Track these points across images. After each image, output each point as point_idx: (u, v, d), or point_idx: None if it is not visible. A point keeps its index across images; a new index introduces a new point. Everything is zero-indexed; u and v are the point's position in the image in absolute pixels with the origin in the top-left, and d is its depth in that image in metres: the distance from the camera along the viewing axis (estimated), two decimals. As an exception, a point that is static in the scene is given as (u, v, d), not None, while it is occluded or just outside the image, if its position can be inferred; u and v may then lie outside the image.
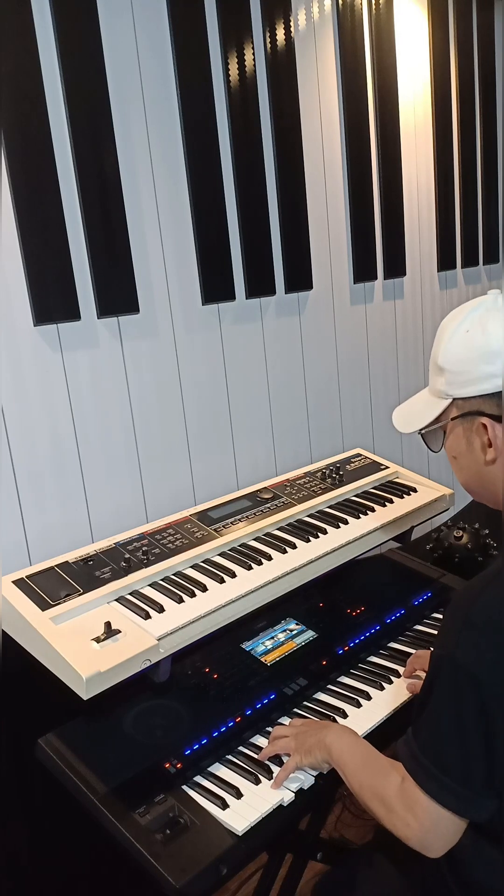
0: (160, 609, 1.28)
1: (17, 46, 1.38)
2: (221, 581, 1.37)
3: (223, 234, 1.79)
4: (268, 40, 1.83)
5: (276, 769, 1.19)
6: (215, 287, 1.80)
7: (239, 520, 1.59)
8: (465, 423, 1.05)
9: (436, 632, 1.54)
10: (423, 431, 1.14)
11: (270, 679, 1.39)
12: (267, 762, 1.20)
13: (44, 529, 1.54)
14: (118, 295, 1.60)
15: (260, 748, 1.24)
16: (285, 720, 1.32)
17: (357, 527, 1.59)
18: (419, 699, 1.03)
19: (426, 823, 0.97)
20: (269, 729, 1.30)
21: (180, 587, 1.35)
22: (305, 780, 1.16)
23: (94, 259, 1.55)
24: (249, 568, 1.41)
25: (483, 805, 0.95)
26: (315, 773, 1.18)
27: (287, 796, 1.14)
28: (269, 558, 1.45)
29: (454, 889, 1.07)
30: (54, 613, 1.24)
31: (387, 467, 1.90)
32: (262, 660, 1.44)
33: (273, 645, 1.48)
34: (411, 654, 1.48)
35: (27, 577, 1.35)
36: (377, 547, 1.65)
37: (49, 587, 1.32)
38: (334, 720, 1.30)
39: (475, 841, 1.01)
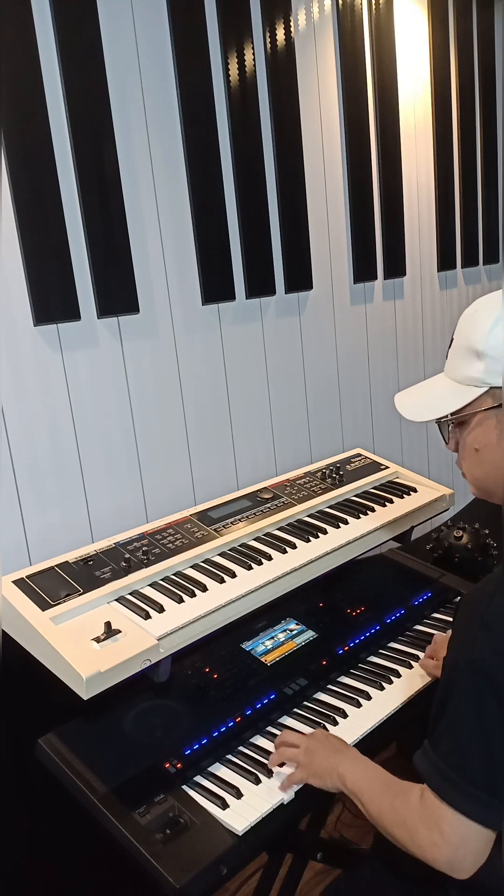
0: (160, 609, 1.28)
1: (17, 46, 1.38)
2: (221, 581, 1.37)
3: (223, 234, 1.79)
4: (268, 40, 1.83)
5: (276, 769, 1.19)
6: (215, 287, 1.80)
7: (239, 520, 1.59)
8: (501, 414, 1.01)
9: (436, 632, 1.55)
10: (444, 420, 1.08)
11: (270, 679, 1.39)
12: (266, 762, 1.20)
13: (44, 529, 1.54)
14: (118, 295, 1.60)
15: (260, 748, 1.24)
16: (286, 720, 1.32)
17: (357, 527, 1.59)
18: (435, 707, 0.99)
19: (454, 840, 0.92)
20: (270, 729, 1.30)
21: (180, 587, 1.35)
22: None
23: (94, 259, 1.55)
24: (249, 568, 1.41)
25: None
26: None
27: (287, 796, 1.14)
28: (269, 558, 1.45)
29: (454, 894, 1.06)
30: (54, 613, 1.24)
31: (387, 467, 1.90)
32: (262, 660, 1.44)
33: (273, 645, 1.48)
34: (412, 654, 1.48)
35: (27, 577, 1.35)
36: (377, 547, 1.65)
37: (49, 587, 1.32)
38: (334, 720, 1.30)
39: None
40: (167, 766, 1.17)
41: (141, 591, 1.35)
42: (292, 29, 1.88)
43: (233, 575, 1.39)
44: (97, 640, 1.18)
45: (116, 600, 1.32)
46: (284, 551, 1.48)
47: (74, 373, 1.57)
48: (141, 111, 1.62)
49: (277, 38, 1.85)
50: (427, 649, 1.44)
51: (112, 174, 1.56)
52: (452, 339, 1.10)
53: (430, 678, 1.39)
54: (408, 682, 1.40)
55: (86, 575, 1.36)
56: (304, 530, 1.57)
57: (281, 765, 1.19)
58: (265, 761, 1.21)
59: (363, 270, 2.23)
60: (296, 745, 1.18)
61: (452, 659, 0.97)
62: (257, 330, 1.94)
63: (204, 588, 1.35)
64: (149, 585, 1.37)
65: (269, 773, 1.18)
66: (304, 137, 1.97)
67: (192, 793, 1.14)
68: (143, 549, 1.45)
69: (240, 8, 1.75)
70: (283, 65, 1.88)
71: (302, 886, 1.56)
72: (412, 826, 0.97)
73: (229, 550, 1.49)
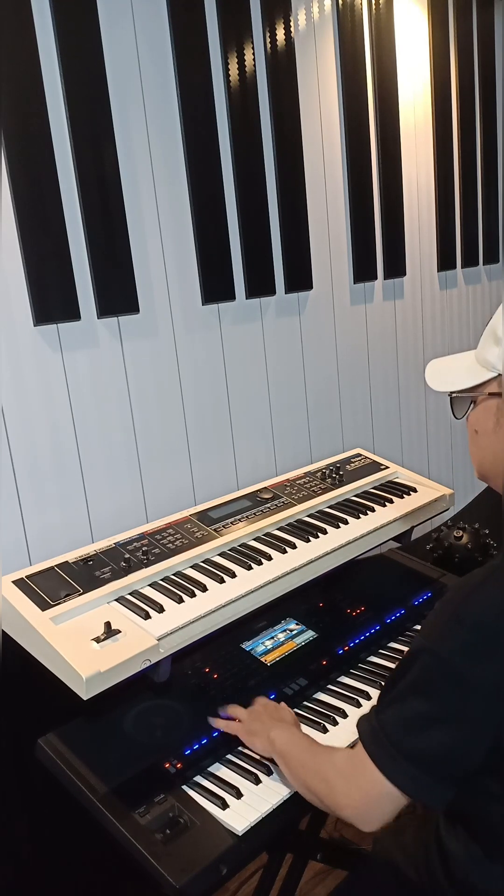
0: (160, 609, 1.28)
1: (17, 46, 1.38)
2: (221, 581, 1.37)
3: (223, 234, 1.79)
4: (268, 40, 1.83)
5: (276, 769, 1.19)
6: (215, 287, 1.80)
7: (239, 520, 1.59)
8: (502, 402, 1.02)
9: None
10: (454, 395, 1.10)
11: (270, 679, 1.39)
12: (267, 762, 1.20)
13: (44, 529, 1.54)
14: (118, 295, 1.60)
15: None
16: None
17: (357, 527, 1.59)
18: (389, 678, 1.02)
19: (370, 794, 0.97)
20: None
21: (180, 587, 1.35)
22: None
23: (94, 259, 1.55)
24: (249, 568, 1.41)
25: (438, 793, 0.95)
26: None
27: (286, 791, 1.14)
28: (269, 558, 1.45)
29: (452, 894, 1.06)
30: (54, 613, 1.24)
31: (387, 467, 1.90)
32: (262, 660, 1.44)
33: (273, 645, 1.48)
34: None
35: (27, 577, 1.35)
36: (377, 547, 1.65)
37: (49, 587, 1.32)
38: (334, 720, 1.30)
39: (466, 846, 1.01)
40: (167, 766, 1.17)
41: (141, 591, 1.35)
42: (292, 29, 1.88)
43: (233, 575, 1.39)
44: (97, 640, 1.18)
45: (116, 600, 1.32)
46: (284, 551, 1.48)
47: (74, 373, 1.57)
48: (141, 111, 1.62)
49: (277, 38, 1.85)
50: None
51: (112, 174, 1.56)
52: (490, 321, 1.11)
53: None
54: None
55: (86, 575, 1.36)
56: (304, 530, 1.57)
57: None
58: (265, 761, 1.21)
59: (363, 270, 2.23)
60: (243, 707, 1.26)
61: (419, 643, 0.98)
62: (257, 330, 1.94)
63: (204, 588, 1.35)
64: (149, 585, 1.37)
65: (270, 773, 1.18)
66: (304, 137, 1.97)
67: (192, 793, 1.14)
68: (143, 549, 1.45)
69: (240, 8, 1.75)
70: (283, 65, 1.88)
71: (302, 886, 1.56)
72: (331, 778, 1.03)
73: (229, 550, 1.49)
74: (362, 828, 1.00)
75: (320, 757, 1.08)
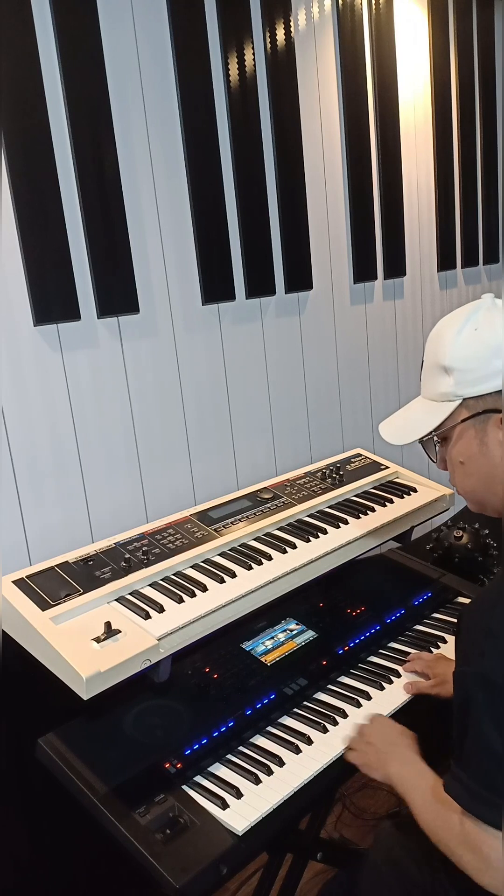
0: (160, 609, 1.28)
1: (17, 46, 1.38)
2: (221, 581, 1.37)
3: (223, 235, 1.79)
4: (268, 40, 1.83)
5: (276, 769, 1.19)
6: (215, 287, 1.80)
7: (239, 520, 1.59)
8: (478, 423, 1.03)
9: (437, 632, 1.55)
10: (426, 438, 1.10)
11: (270, 679, 1.39)
12: (267, 762, 1.20)
13: (44, 529, 1.54)
14: (118, 295, 1.60)
15: (260, 748, 1.24)
16: (286, 720, 1.32)
17: (357, 527, 1.59)
18: (456, 726, 0.97)
19: (495, 861, 0.91)
20: (270, 729, 1.30)
21: (180, 587, 1.35)
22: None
23: (94, 259, 1.55)
24: (249, 568, 1.41)
25: None
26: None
27: (286, 791, 1.14)
28: (269, 558, 1.45)
29: (454, 894, 1.06)
30: (54, 613, 1.24)
31: (387, 467, 1.90)
32: (262, 660, 1.44)
33: (273, 645, 1.48)
34: (411, 654, 1.48)
35: (27, 577, 1.35)
36: (377, 547, 1.65)
37: (49, 587, 1.32)
38: (334, 720, 1.30)
39: None
40: (167, 766, 1.17)
41: (141, 591, 1.35)
42: (292, 29, 1.88)
43: (233, 575, 1.39)
44: (97, 640, 1.18)
45: (116, 600, 1.32)
46: (284, 551, 1.48)
47: (74, 373, 1.57)
48: (141, 111, 1.62)
49: (277, 38, 1.85)
50: (414, 666, 1.41)
51: (112, 174, 1.56)
52: (423, 362, 1.13)
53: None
54: (406, 682, 1.40)
55: (86, 575, 1.36)
56: (304, 530, 1.57)
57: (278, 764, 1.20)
58: (265, 761, 1.21)
59: (363, 270, 2.23)
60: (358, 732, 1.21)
61: (462, 673, 0.96)
62: (257, 330, 1.94)
63: (204, 588, 1.35)
64: (149, 585, 1.37)
65: (270, 773, 1.18)
66: (304, 137, 1.97)
67: (192, 793, 1.14)
68: (143, 549, 1.45)
69: (240, 8, 1.75)
70: (283, 65, 1.88)
71: (302, 886, 1.56)
72: (455, 850, 0.96)
73: (229, 550, 1.49)
74: None
75: (439, 821, 0.99)
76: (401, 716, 1.32)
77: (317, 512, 1.67)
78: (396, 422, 1.20)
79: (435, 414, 1.08)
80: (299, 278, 2.01)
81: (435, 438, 1.10)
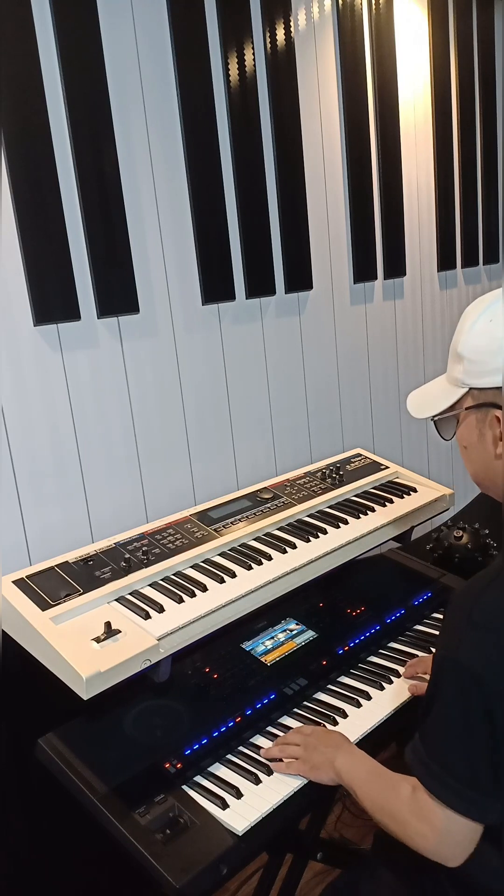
0: (160, 609, 1.28)
1: (17, 47, 1.38)
2: (221, 581, 1.37)
3: (223, 234, 1.79)
4: (268, 40, 1.83)
5: (276, 769, 1.19)
6: (215, 287, 1.80)
7: (239, 520, 1.59)
8: (479, 413, 1.05)
9: (436, 632, 1.55)
10: (435, 418, 1.12)
11: (270, 679, 1.39)
12: (267, 762, 1.20)
13: (44, 529, 1.54)
14: (118, 295, 1.60)
15: (260, 748, 1.24)
16: (286, 720, 1.32)
17: (357, 527, 1.59)
18: (423, 702, 1.02)
19: (441, 832, 0.96)
20: (270, 729, 1.30)
21: (180, 587, 1.35)
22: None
23: (94, 259, 1.55)
24: (249, 568, 1.41)
25: (493, 808, 0.94)
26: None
27: (289, 788, 1.14)
28: (269, 558, 1.45)
29: (452, 894, 1.06)
30: (54, 613, 1.24)
31: (387, 467, 1.90)
32: (262, 660, 1.44)
33: (273, 645, 1.48)
34: (411, 653, 1.48)
35: (27, 577, 1.35)
36: (377, 547, 1.65)
37: (49, 587, 1.32)
38: (334, 720, 1.30)
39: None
40: (167, 766, 1.17)
41: (141, 591, 1.35)
42: (292, 29, 1.88)
43: (233, 575, 1.39)
44: (97, 640, 1.18)
45: (116, 600, 1.32)
46: (284, 551, 1.47)
47: (74, 373, 1.57)
48: (141, 111, 1.62)
49: (277, 38, 1.85)
50: (413, 668, 1.42)
51: (112, 174, 1.56)
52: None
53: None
54: (408, 683, 1.40)
55: (86, 575, 1.36)
56: (304, 530, 1.57)
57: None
58: (265, 761, 1.21)
59: (363, 270, 2.23)
60: (296, 743, 1.21)
61: (440, 657, 0.99)
62: (257, 330, 1.94)
63: (204, 588, 1.35)
64: (149, 585, 1.37)
65: (269, 773, 1.18)
66: (304, 137, 1.97)
67: (192, 793, 1.14)
68: (143, 549, 1.45)
69: (240, 8, 1.75)
70: (283, 65, 1.88)
71: (302, 886, 1.56)
72: (403, 819, 1.01)
73: (229, 550, 1.49)
74: (448, 864, 0.98)
75: (388, 792, 1.05)
76: (401, 716, 1.32)
77: (317, 512, 1.67)
78: (420, 395, 1.20)
79: (447, 396, 1.10)
80: (299, 278, 2.01)
81: (453, 418, 1.11)
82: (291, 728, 1.29)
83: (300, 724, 1.30)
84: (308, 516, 1.65)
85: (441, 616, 1.64)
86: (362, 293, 2.26)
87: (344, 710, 1.32)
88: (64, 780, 1.16)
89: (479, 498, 2.55)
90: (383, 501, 1.71)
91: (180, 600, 1.31)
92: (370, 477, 1.83)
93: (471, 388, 1.05)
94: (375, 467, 1.90)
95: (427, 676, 1.39)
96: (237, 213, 1.82)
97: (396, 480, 1.85)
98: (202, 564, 1.44)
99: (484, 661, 0.91)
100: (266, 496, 1.70)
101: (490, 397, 1.03)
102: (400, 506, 1.70)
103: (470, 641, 0.93)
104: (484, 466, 1.07)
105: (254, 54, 1.79)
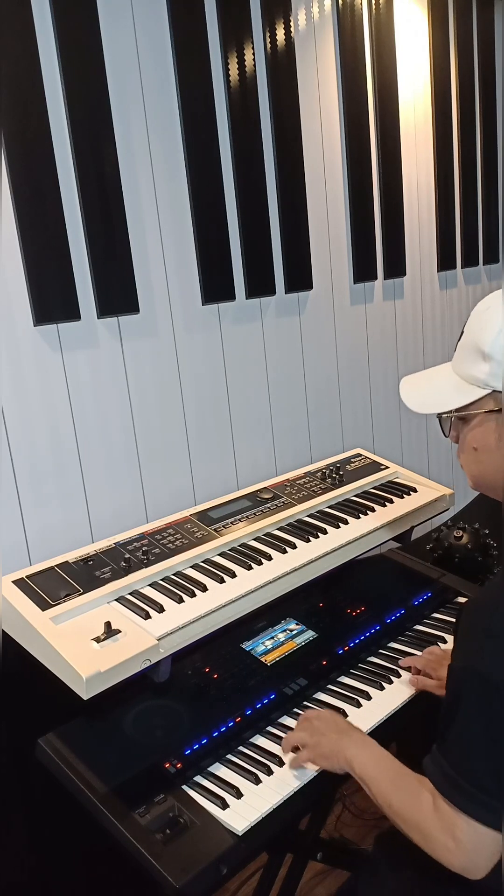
0: (160, 609, 1.28)
1: (17, 46, 1.38)
2: (221, 581, 1.37)
3: (223, 234, 1.79)
4: (268, 40, 1.83)
5: (276, 769, 1.19)
6: (215, 287, 1.80)
7: (239, 520, 1.59)
8: (502, 418, 1.00)
9: (436, 632, 1.55)
10: (445, 416, 1.07)
11: (270, 679, 1.39)
12: (267, 762, 1.20)
13: (44, 529, 1.54)
14: (118, 295, 1.60)
15: (260, 748, 1.24)
16: (286, 720, 1.32)
17: (357, 527, 1.59)
18: (442, 714, 0.99)
19: (467, 845, 0.94)
20: (270, 729, 1.30)
21: (180, 587, 1.35)
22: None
23: (94, 259, 1.55)
24: (249, 568, 1.41)
25: None
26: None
27: (299, 781, 1.14)
28: (269, 558, 1.45)
29: (454, 894, 1.06)
30: (54, 613, 1.24)
31: (387, 467, 1.90)
32: (262, 660, 1.44)
33: (273, 645, 1.48)
34: (411, 654, 1.48)
35: (27, 577, 1.35)
36: (377, 547, 1.65)
37: (49, 587, 1.32)
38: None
39: None
40: (167, 766, 1.17)
41: (141, 591, 1.35)
42: (292, 29, 1.88)
43: (233, 575, 1.39)
44: (97, 640, 1.18)
45: (116, 600, 1.32)
46: (284, 551, 1.47)
47: (74, 373, 1.57)
48: (141, 111, 1.62)
49: (277, 38, 1.85)
50: (419, 666, 1.41)
51: (112, 174, 1.56)
52: (462, 332, 1.08)
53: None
54: (408, 683, 1.40)
55: (86, 575, 1.36)
56: (304, 530, 1.57)
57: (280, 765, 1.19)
58: (265, 761, 1.21)
59: (363, 270, 2.23)
60: (302, 730, 1.20)
61: (459, 668, 0.97)
62: (257, 330, 1.94)
63: (204, 588, 1.35)
64: (149, 585, 1.37)
65: (270, 773, 1.18)
66: (304, 137, 1.97)
67: (192, 793, 1.14)
68: (143, 549, 1.45)
69: (240, 8, 1.75)
70: (283, 65, 1.88)
71: (302, 886, 1.56)
72: (426, 831, 0.98)
73: (229, 550, 1.49)
74: (472, 877, 0.95)
75: (410, 800, 1.01)
76: (401, 716, 1.32)
77: (317, 512, 1.67)
78: (420, 385, 1.15)
79: (463, 394, 1.04)
80: (299, 278, 2.01)
81: (454, 416, 1.07)
82: (292, 728, 1.29)
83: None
84: (308, 516, 1.65)
85: (441, 616, 1.63)
86: (362, 293, 2.26)
87: (344, 711, 1.32)
88: (64, 780, 1.16)
89: (479, 498, 2.55)
90: (383, 501, 1.71)
91: (180, 600, 1.31)
92: (370, 477, 1.83)
93: (494, 391, 1.01)
94: (375, 467, 1.90)
95: (429, 677, 1.38)
96: (237, 213, 1.82)
97: (396, 480, 1.85)
98: (202, 564, 1.44)
99: (502, 672, 0.90)
100: (266, 496, 1.70)
101: None
102: (400, 506, 1.70)
103: (490, 652, 0.92)
104: (495, 470, 1.03)
105: (254, 54, 1.79)
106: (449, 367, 1.11)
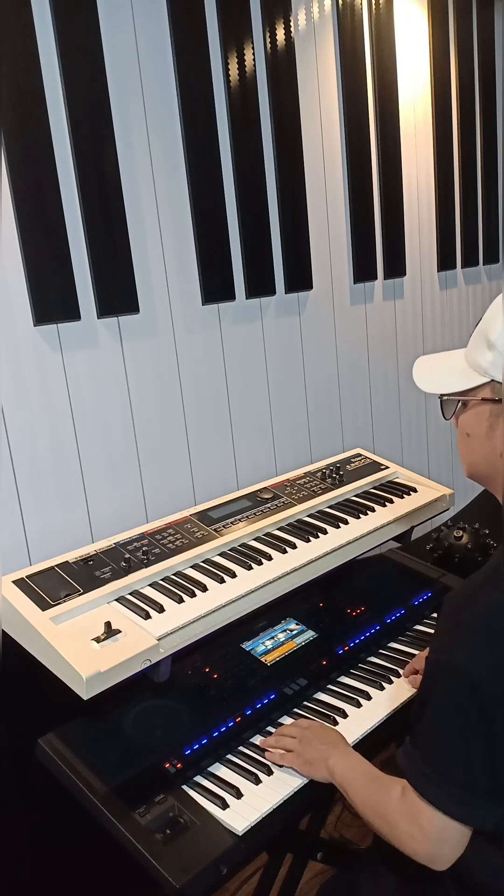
0: (160, 609, 1.28)
1: (17, 46, 1.38)
2: (221, 581, 1.37)
3: (223, 234, 1.79)
4: (268, 40, 1.83)
5: (276, 769, 1.19)
6: (215, 287, 1.80)
7: (239, 520, 1.59)
8: (495, 408, 1.02)
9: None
10: (445, 397, 1.09)
11: (270, 679, 1.39)
12: (267, 762, 1.20)
13: (44, 529, 1.54)
14: (118, 295, 1.60)
15: (260, 748, 1.24)
16: (286, 720, 1.32)
17: (357, 527, 1.59)
18: (416, 706, 1.01)
19: (432, 834, 0.95)
20: (270, 729, 1.30)
21: (180, 587, 1.35)
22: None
23: (94, 259, 1.55)
24: (249, 568, 1.41)
25: (488, 812, 0.94)
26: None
27: (286, 791, 1.14)
28: (269, 558, 1.45)
29: (454, 894, 1.06)
30: (54, 613, 1.24)
31: (387, 467, 1.90)
32: (262, 660, 1.44)
33: (273, 645, 1.48)
34: (411, 654, 1.48)
35: (27, 577, 1.35)
36: (377, 547, 1.65)
37: (49, 587, 1.32)
38: (334, 720, 1.30)
39: (474, 843, 1.01)
40: (167, 766, 1.18)
41: (141, 591, 1.35)
42: (292, 29, 1.88)
43: (233, 575, 1.39)
44: (97, 640, 1.18)
45: (116, 600, 1.32)
46: (284, 551, 1.47)
47: (74, 373, 1.57)
48: (141, 111, 1.62)
49: (277, 38, 1.85)
50: (417, 667, 1.42)
51: (112, 174, 1.56)
52: (480, 319, 1.10)
53: None
54: (408, 683, 1.40)
55: (86, 575, 1.36)
56: (304, 530, 1.57)
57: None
58: (265, 761, 1.21)
59: (363, 270, 2.23)
60: (292, 736, 1.21)
61: (432, 660, 0.98)
62: (257, 330, 1.94)
63: (204, 588, 1.35)
64: (149, 585, 1.37)
65: (270, 773, 1.18)
66: (304, 137, 1.97)
67: (192, 793, 1.14)
68: (143, 549, 1.45)
69: (240, 8, 1.75)
70: (283, 65, 1.88)
71: (302, 886, 1.55)
72: (393, 820, 1.00)
73: (229, 550, 1.49)
74: (435, 867, 0.97)
75: (380, 794, 1.05)
76: (401, 716, 1.32)
77: (317, 512, 1.67)
78: (432, 365, 1.16)
79: (465, 379, 1.06)
80: (299, 278, 2.01)
81: (453, 399, 1.08)
82: (291, 728, 1.29)
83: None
84: (308, 516, 1.65)
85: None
86: (362, 293, 2.26)
87: (344, 710, 1.32)
88: (64, 780, 1.16)
89: (479, 498, 2.55)
90: (383, 501, 1.71)
91: (180, 600, 1.31)
92: (370, 477, 1.83)
93: (493, 381, 1.02)
94: (375, 467, 1.90)
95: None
96: (237, 213, 1.82)
97: (396, 480, 1.85)
98: (202, 564, 1.44)
99: (477, 663, 0.91)
100: (266, 496, 1.70)
101: None
102: (400, 506, 1.70)
103: (462, 644, 0.93)
104: (484, 459, 1.05)
105: (254, 54, 1.79)
106: (461, 354, 1.12)
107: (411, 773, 0.98)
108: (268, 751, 1.22)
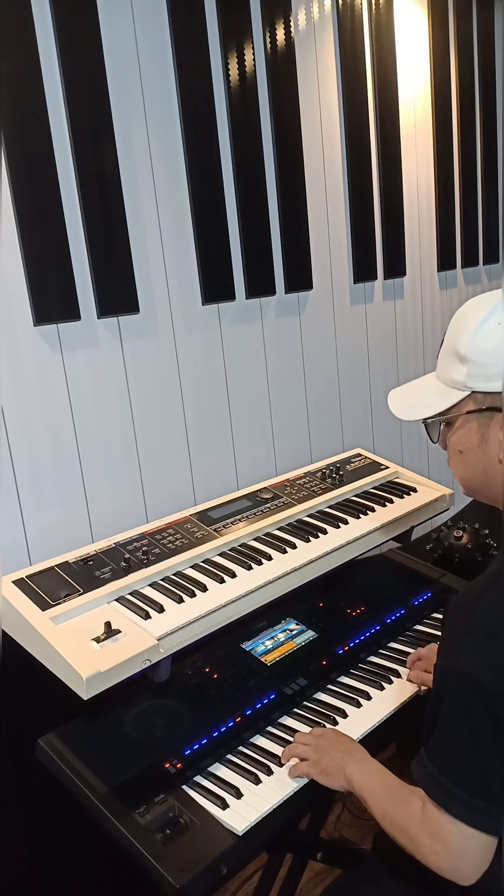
0: (160, 609, 1.28)
1: (17, 46, 1.38)
2: (221, 581, 1.37)
3: (223, 234, 1.79)
4: (268, 40, 1.83)
5: (276, 769, 1.19)
6: (215, 287, 1.80)
7: (239, 520, 1.59)
8: (482, 418, 1.02)
9: (436, 632, 1.55)
10: (430, 421, 1.09)
11: (270, 679, 1.39)
12: (267, 762, 1.20)
13: (44, 529, 1.54)
14: (118, 295, 1.60)
15: (260, 748, 1.25)
16: (286, 720, 1.32)
17: (357, 527, 1.59)
18: (428, 715, 1.00)
19: (454, 848, 0.93)
20: (270, 729, 1.30)
21: (180, 587, 1.35)
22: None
23: (94, 259, 1.55)
24: (249, 568, 1.41)
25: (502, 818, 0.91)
26: None
27: (293, 786, 1.14)
28: (269, 558, 1.45)
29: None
30: (54, 613, 1.24)
31: (387, 467, 1.90)
32: (262, 660, 1.44)
33: (273, 645, 1.48)
34: (411, 653, 1.48)
35: (27, 577, 1.35)
36: (377, 547, 1.65)
37: (49, 587, 1.32)
38: (334, 721, 1.30)
39: None
40: (167, 766, 1.18)
41: (141, 591, 1.35)
42: (292, 29, 1.88)
43: (233, 575, 1.39)
44: (97, 640, 1.18)
45: (116, 600, 1.32)
46: (284, 551, 1.47)
47: (74, 373, 1.57)
48: (141, 111, 1.62)
49: (277, 38, 1.85)
50: (416, 663, 1.42)
51: (112, 174, 1.56)
52: (443, 340, 1.11)
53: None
54: (408, 683, 1.40)
55: (86, 575, 1.36)
56: (304, 530, 1.57)
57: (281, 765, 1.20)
58: (265, 761, 1.21)
59: (363, 270, 2.23)
60: (307, 744, 1.20)
61: (441, 666, 0.97)
62: (257, 330, 1.94)
63: (204, 588, 1.35)
64: (149, 585, 1.37)
65: (270, 773, 1.18)
66: (304, 137, 1.97)
67: (192, 793, 1.14)
68: (143, 549, 1.45)
69: (240, 8, 1.75)
70: (283, 65, 1.88)
71: (302, 886, 1.56)
72: (414, 834, 0.98)
73: (229, 550, 1.49)
74: (462, 882, 0.94)
75: (400, 807, 1.02)
76: (401, 716, 1.32)
77: (317, 512, 1.67)
78: (405, 395, 1.17)
79: (444, 398, 1.06)
80: (299, 278, 2.01)
81: (440, 422, 1.09)
82: (292, 728, 1.29)
83: (300, 724, 1.30)
84: (308, 516, 1.65)
85: (441, 616, 1.64)
86: (362, 293, 2.26)
87: (344, 710, 1.32)
88: (64, 780, 1.16)
89: (479, 498, 2.55)
90: (383, 501, 1.71)
91: (180, 600, 1.31)
92: (370, 477, 1.83)
93: (473, 392, 1.03)
94: (375, 467, 1.90)
95: (428, 670, 1.38)
96: (237, 213, 1.82)
97: (396, 480, 1.85)
98: (202, 564, 1.44)
99: (486, 668, 0.90)
100: (266, 496, 1.70)
101: (497, 401, 1.00)
102: (400, 506, 1.70)
103: (471, 649, 0.92)
104: (482, 471, 1.05)
105: (254, 54, 1.79)
106: (433, 376, 1.13)
107: (427, 784, 0.96)
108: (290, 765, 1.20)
